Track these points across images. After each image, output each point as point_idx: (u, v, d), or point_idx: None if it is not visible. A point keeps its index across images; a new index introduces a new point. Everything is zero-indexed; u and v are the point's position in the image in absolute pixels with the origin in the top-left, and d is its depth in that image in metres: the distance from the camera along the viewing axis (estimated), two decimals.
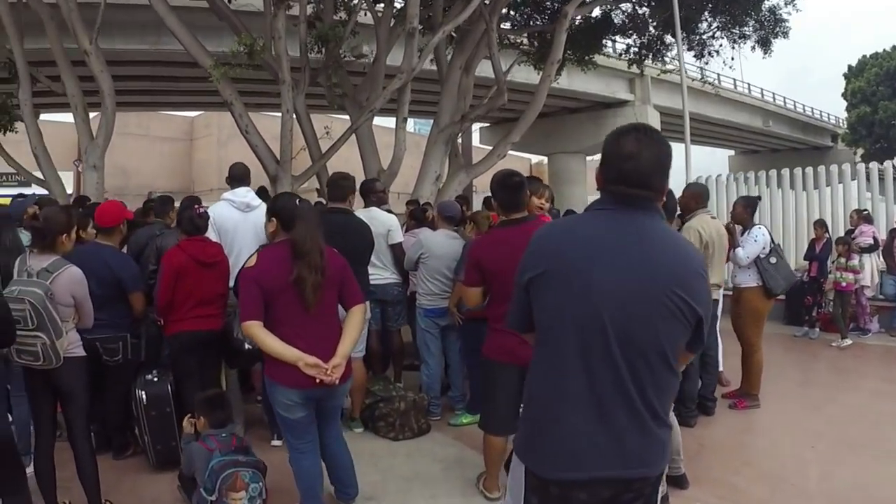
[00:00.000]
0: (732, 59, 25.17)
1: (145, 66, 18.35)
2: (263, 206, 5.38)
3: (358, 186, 5.68)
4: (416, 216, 7.00)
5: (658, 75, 21.90)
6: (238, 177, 5.60)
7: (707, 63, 15.32)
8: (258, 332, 3.33)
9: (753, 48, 14.88)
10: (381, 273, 5.89)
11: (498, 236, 3.93)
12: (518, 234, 3.54)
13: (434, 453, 5.09)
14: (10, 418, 3.76)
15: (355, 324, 3.59)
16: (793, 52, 14.73)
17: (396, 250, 5.99)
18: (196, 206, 4.96)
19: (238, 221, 5.37)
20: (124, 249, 5.75)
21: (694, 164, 14.14)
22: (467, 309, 5.28)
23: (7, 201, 6.75)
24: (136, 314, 4.76)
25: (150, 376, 4.72)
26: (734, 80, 34.23)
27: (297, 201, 3.62)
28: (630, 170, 1.94)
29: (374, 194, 6.13)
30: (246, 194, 5.50)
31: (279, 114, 9.20)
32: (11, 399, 4.09)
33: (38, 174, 9.77)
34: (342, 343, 3.48)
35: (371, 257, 5.46)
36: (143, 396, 4.61)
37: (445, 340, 5.93)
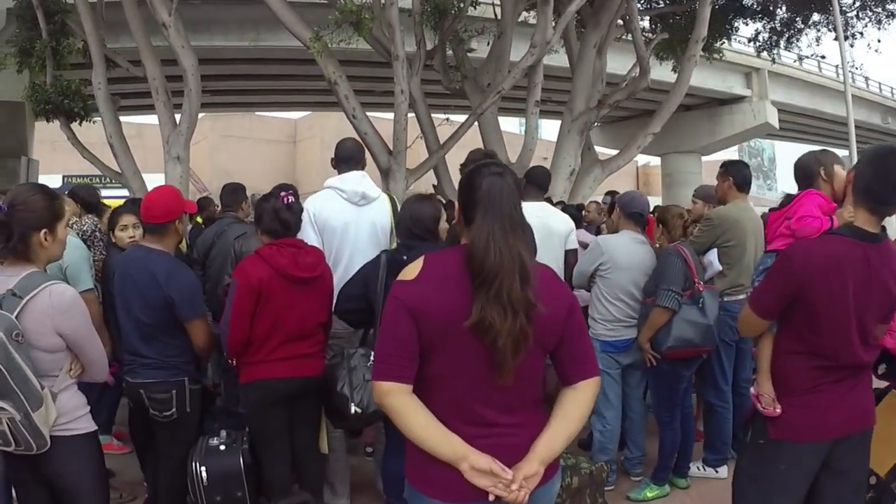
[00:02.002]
0: (879, 41, 21.93)
1: (245, 65, 18.01)
2: (385, 199, 3.90)
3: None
4: (572, 214, 5.33)
5: (794, 62, 19.68)
6: (348, 157, 3.97)
7: (853, 45, 13.46)
8: (403, 406, 1.78)
9: None
10: None
11: (848, 252, 2.36)
12: (879, 258, 2.34)
13: None
14: None
15: (580, 411, 1.92)
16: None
17: (571, 258, 4.51)
18: (283, 194, 3.29)
19: (350, 218, 3.80)
20: None
21: None
22: (669, 347, 3.86)
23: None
24: (199, 351, 3.24)
25: (215, 441, 3.25)
26: (851, 72, 31.01)
27: (500, 174, 1.85)
28: None
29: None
30: (360, 181, 3.88)
31: (386, 114, 7.88)
32: None
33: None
34: (546, 439, 1.84)
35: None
36: (203, 473, 3.13)
37: (625, 384, 4.47)
